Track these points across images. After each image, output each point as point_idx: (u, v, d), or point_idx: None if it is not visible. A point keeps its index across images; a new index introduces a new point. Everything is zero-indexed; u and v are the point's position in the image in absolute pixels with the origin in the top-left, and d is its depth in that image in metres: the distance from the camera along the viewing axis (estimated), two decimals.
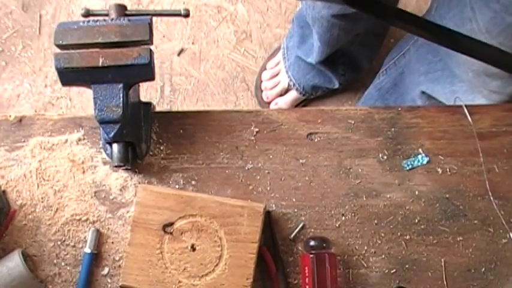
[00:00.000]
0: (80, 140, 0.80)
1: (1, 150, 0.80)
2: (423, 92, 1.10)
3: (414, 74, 1.12)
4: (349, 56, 1.36)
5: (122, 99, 0.70)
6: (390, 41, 1.49)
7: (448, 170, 0.78)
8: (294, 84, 1.42)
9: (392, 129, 0.79)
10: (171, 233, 0.73)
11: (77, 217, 0.77)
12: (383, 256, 0.76)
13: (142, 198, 0.74)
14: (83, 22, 0.70)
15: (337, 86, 1.41)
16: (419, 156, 0.78)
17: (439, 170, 0.78)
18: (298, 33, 1.34)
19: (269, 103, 1.47)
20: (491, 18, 0.78)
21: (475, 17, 0.80)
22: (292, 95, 1.45)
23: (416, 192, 0.77)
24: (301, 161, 0.79)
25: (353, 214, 0.77)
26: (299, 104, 1.48)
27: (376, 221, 0.77)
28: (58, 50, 0.71)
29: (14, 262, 0.72)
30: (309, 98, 1.46)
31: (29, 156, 0.79)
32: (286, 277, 0.75)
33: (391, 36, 1.49)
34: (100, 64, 0.69)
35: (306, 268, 0.72)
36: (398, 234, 0.76)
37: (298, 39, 1.35)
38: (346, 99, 1.49)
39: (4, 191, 0.78)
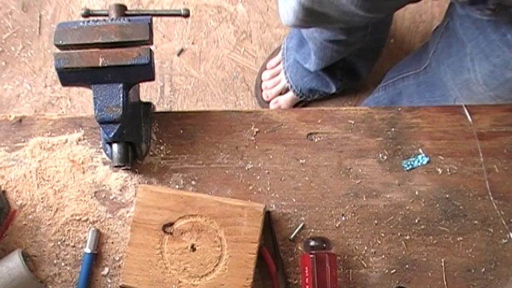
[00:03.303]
0: (80, 140, 0.80)
1: (1, 150, 0.80)
2: None
3: (411, 104, 1.13)
4: (348, 63, 1.37)
5: (122, 99, 0.70)
6: (391, 41, 1.49)
7: (448, 170, 0.78)
8: (291, 86, 1.42)
9: (393, 129, 0.79)
10: (171, 233, 0.73)
11: (77, 217, 0.77)
12: (383, 256, 0.76)
13: (142, 198, 0.74)
14: (83, 22, 0.70)
15: (334, 90, 1.41)
16: (419, 157, 0.78)
17: (439, 170, 0.78)
18: (298, 36, 1.34)
19: (269, 102, 1.47)
20: (490, 72, 0.78)
21: (474, 68, 0.80)
22: (292, 94, 1.45)
23: (416, 193, 0.77)
24: (301, 161, 0.79)
25: (353, 214, 0.77)
26: (299, 103, 1.48)
27: (376, 221, 0.77)
28: (58, 50, 0.71)
29: (14, 262, 0.72)
30: (306, 100, 1.47)
31: (29, 156, 0.79)
32: (286, 277, 0.75)
33: (391, 37, 1.49)
34: (100, 64, 0.69)
35: (306, 268, 0.72)
36: (399, 234, 0.76)
37: (296, 42, 1.35)
38: (346, 100, 1.49)
39: (4, 191, 0.78)
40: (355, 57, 1.35)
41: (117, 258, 0.76)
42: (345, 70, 1.39)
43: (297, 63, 1.38)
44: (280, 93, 1.46)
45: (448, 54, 0.89)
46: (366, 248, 0.76)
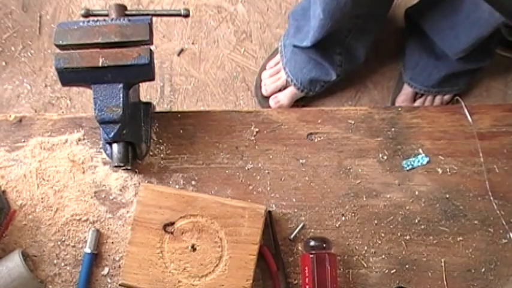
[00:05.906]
0: (80, 140, 0.80)
1: (1, 150, 0.80)
2: None
3: None
4: (346, 46, 1.36)
5: (122, 99, 0.70)
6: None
7: (448, 170, 0.78)
8: (291, 80, 1.42)
9: (393, 129, 0.79)
10: (171, 233, 0.73)
11: (77, 217, 0.77)
12: (383, 256, 0.76)
13: (143, 197, 0.74)
14: (83, 22, 0.70)
15: (334, 77, 1.40)
16: (419, 156, 0.78)
17: (439, 170, 0.78)
18: (293, 26, 1.35)
19: (268, 97, 1.46)
20: None
21: None
22: (292, 89, 1.45)
23: (416, 193, 0.77)
24: (301, 161, 0.79)
25: (353, 214, 0.77)
26: (299, 100, 1.47)
27: (376, 221, 0.77)
28: (58, 50, 0.71)
29: (14, 262, 0.72)
30: (308, 94, 1.46)
31: (29, 156, 0.79)
32: (287, 277, 0.75)
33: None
34: (100, 64, 0.69)
35: (306, 268, 0.72)
36: (399, 234, 0.76)
37: (293, 30, 1.36)
38: (346, 99, 1.49)
39: (4, 191, 0.78)
40: (354, 35, 1.34)
41: (117, 258, 0.76)
42: (343, 55, 1.38)
43: (295, 55, 1.37)
44: (280, 90, 1.46)
45: None
46: (366, 248, 0.76)
